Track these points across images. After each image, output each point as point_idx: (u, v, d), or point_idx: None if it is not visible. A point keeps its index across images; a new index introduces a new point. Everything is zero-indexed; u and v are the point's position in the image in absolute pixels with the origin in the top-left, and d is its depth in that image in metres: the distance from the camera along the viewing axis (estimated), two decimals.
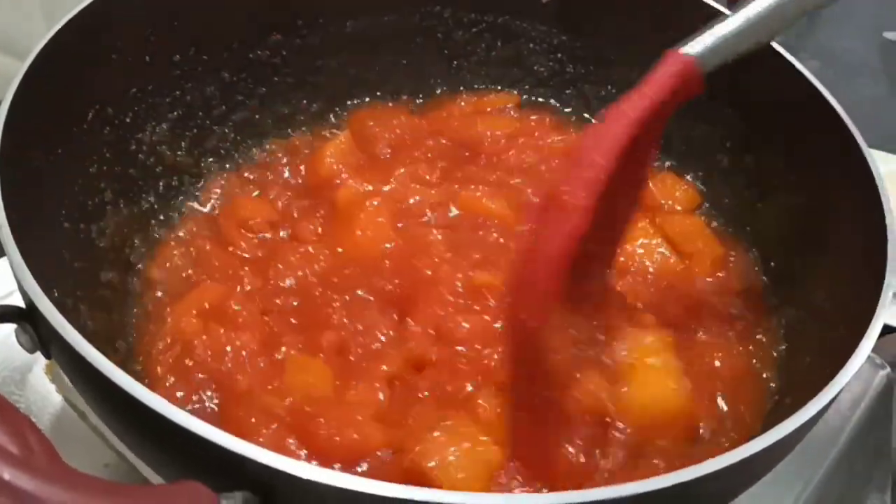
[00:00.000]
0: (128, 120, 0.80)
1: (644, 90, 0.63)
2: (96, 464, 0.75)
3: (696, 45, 0.64)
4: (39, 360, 0.82)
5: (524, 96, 1.04)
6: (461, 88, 1.04)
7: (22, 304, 0.55)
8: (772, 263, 0.85)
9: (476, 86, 1.04)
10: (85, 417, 0.78)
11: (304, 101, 0.98)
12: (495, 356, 0.71)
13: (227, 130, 0.93)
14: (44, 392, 0.79)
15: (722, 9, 0.84)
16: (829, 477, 0.82)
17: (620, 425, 0.68)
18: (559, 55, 1.02)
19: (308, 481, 0.45)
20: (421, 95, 1.03)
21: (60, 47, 0.69)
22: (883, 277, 0.62)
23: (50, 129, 0.68)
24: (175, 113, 0.86)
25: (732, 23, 0.64)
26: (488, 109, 1.02)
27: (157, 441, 0.50)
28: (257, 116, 0.95)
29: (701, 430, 0.71)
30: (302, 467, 0.45)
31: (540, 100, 1.04)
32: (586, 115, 1.03)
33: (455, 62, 1.03)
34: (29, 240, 0.56)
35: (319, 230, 0.85)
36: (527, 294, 0.62)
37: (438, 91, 1.04)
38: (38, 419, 0.78)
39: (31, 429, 0.41)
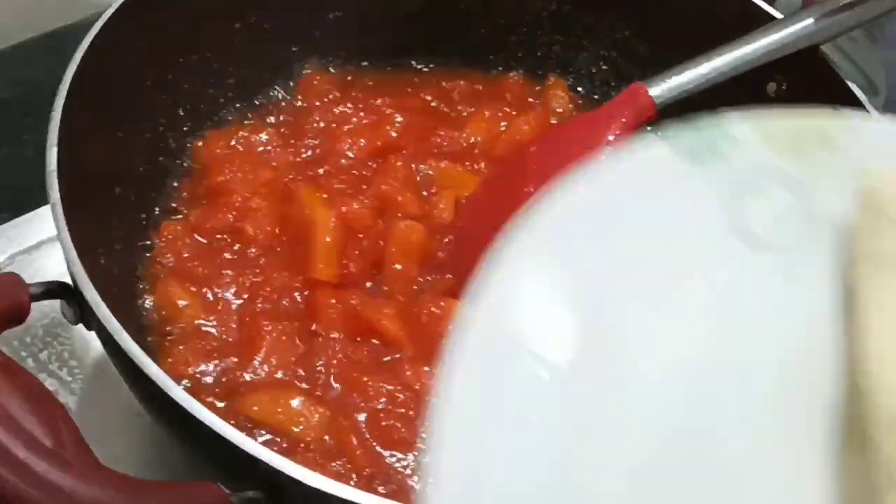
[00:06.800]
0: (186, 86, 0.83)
1: (606, 126, 0.71)
2: (129, 412, 0.80)
3: (659, 88, 0.72)
4: None
5: None
6: None
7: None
8: None
9: None
10: None
11: None
12: None
13: None
14: (88, 337, 0.83)
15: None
16: None
17: None
18: None
19: (312, 489, 0.48)
20: None
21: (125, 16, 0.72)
22: None
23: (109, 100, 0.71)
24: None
25: (697, 71, 0.72)
26: None
27: (176, 426, 0.55)
28: None
29: None
30: (308, 475, 0.48)
31: None
32: None
33: None
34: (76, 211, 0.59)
35: None
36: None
37: None
38: (81, 362, 0.83)
39: (64, 421, 0.45)
